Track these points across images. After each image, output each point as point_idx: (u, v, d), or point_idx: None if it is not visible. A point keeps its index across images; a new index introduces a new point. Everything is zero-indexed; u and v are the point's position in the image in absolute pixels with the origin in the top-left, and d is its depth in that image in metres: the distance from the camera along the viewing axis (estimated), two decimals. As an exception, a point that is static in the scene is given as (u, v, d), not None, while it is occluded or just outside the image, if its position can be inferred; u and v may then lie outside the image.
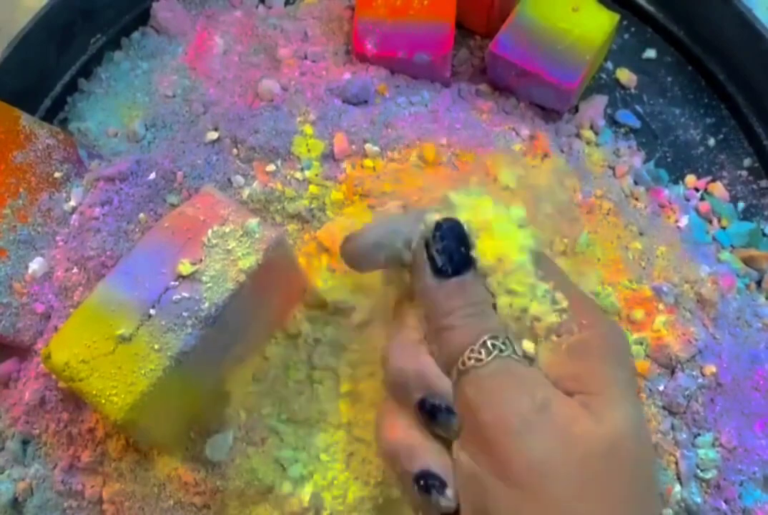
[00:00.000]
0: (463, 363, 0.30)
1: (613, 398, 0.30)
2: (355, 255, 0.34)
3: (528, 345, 0.31)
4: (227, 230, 0.33)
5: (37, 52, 0.48)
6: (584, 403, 0.30)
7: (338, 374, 0.39)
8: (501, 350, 0.30)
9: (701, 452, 0.40)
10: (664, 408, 0.41)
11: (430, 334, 0.32)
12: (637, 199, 0.46)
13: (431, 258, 0.31)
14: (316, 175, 0.43)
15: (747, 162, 0.49)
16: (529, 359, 0.31)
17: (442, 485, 0.30)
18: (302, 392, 0.39)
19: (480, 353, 0.30)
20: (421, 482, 0.30)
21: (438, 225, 0.31)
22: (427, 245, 0.32)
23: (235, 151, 0.44)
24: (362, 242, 0.34)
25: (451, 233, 0.31)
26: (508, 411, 0.29)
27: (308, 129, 0.44)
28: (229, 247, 0.33)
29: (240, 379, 0.40)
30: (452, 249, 0.31)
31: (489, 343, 0.30)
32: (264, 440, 0.38)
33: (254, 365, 0.41)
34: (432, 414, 0.31)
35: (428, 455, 0.31)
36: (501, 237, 0.32)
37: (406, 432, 0.32)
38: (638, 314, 0.42)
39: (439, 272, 0.31)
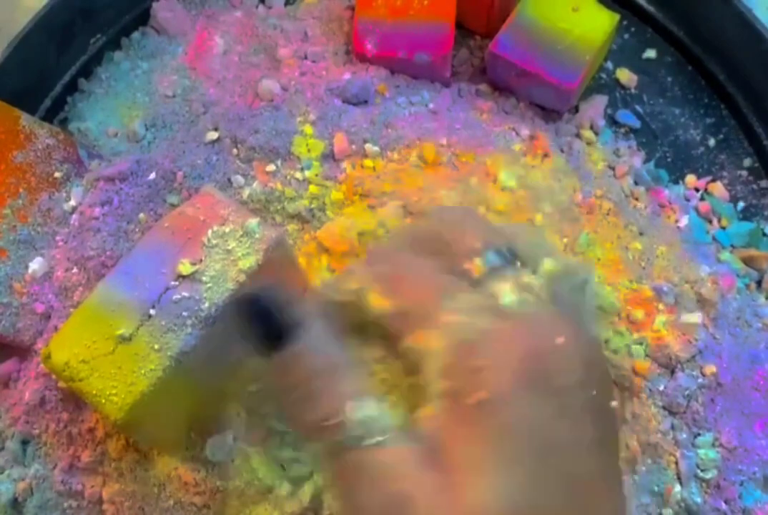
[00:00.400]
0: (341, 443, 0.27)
1: (486, 473, 0.26)
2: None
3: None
4: (227, 230, 0.33)
5: (37, 52, 0.48)
6: (454, 481, 0.26)
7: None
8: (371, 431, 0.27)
9: (701, 452, 0.40)
10: (664, 408, 0.41)
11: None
12: (637, 199, 0.46)
13: (247, 336, 0.28)
14: (316, 175, 0.43)
15: (747, 162, 0.49)
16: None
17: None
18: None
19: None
20: None
21: (243, 299, 0.29)
22: (240, 322, 0.29)
23: (235, 151, 0.44)
24: None
25: (262, 301, 0.28)
26: (364, 508, 0.27)
27: (308, 129, 0.44)
28: (229, 247, 0.33)
29: (240, 379, 0.40)
30: (269, 320, 0.28)
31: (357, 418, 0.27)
32: (264, 440, 0.38)
33: (254, 365, 0.41)
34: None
35: None
36: None
37: None
38: (638, 314, 0.42)
39: (260, 349, 0.28)
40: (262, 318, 0.28)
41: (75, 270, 0.41)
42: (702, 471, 0.40)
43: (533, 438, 0.26)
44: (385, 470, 0.27)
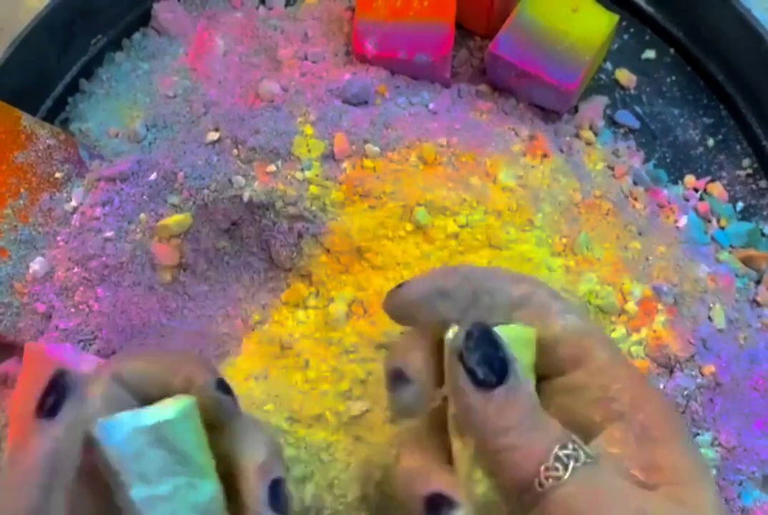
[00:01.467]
0: (541, 485, 0.26)
1: (700, 484, 0.28)
2: (396, 309, 0.31)
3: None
4: None
5: (39, 52, 0.48)
6: (673, 497, 0.27)
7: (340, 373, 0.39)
8: (576, 459, 0.27)
9: (701, 451, 0.40)
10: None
11: (488, 458, 0.28)
12: (636, 199, 0.47)
13: (470, 371, 0.28)
14: (317, 175, 0.43)
15: (746, 162, 0.49)
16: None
17: (452, 505, 0.29)
18: (303, 391, 0.39)
19: (557, 469, 0.26)
20: (431, 504, 0.29)
21: (469, 334, 0.28)
22: (461, 358, 0.28)
23: (235, 151, 0.44)
24: (405, 296, 0.31)
25: (484, 338, 0.28)
26: None
27: (308, 129, 0.44)
28: None
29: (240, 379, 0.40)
30: (491, 356, 0.28)
31: (562, 455, 0.27)
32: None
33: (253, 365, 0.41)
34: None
35: (440, 478, 0.30)
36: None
37: (422, 461, 0.30)
38: (638, 314, 0.42)
39: (482, 384, 0.27)
40: (489, 350, 0.28)
41: (76, 270, 0.41)
42: (701, 470, 0.40)
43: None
44: (614, 484, 0.27)
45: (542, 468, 0.26)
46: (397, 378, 0.30)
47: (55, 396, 0.27)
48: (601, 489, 0.27)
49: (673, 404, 0.31)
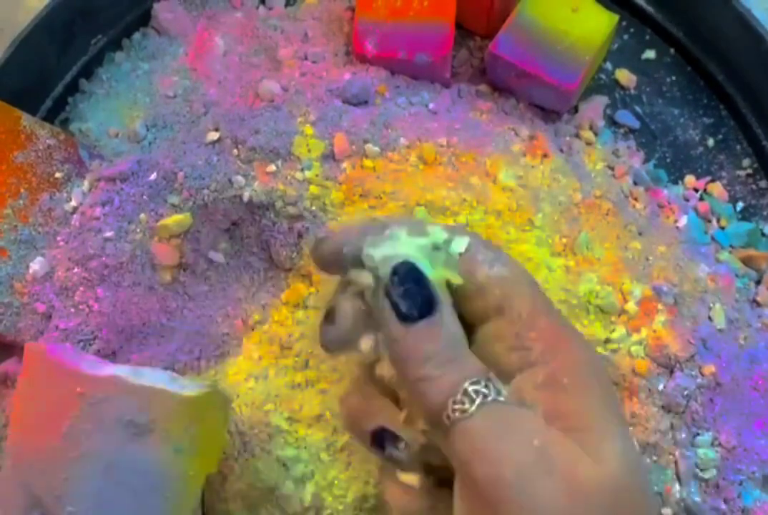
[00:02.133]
0: (448, 417, 0.28)
1: (606, 432, 0.29)
2: (324, 257, 0.34)
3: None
4: None
5: (38, 52, 0.48)
6: (578, 441, 0.28)
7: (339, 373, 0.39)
8: (485, 396, 0.28)
9: (700, 451, 0.40)
10: (663, 407, 0.41)
11: (406, 387, 0.30)
12: (636, 199, 0.47)
13: (395, 305, 0.29)
14: (317, 175, 0.43)
15: (746, 162, 0.49)
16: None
17: (395, 438, 0.31)
18: (303, 391, 0.39)
19: (463, 402, 0.28)
20: (376, 438, 0.31)
21: (395, 270, 0.30)
22: (387, 292, 0.30)
23: (235, 151, 0.44)
24: (332, 244, 0.33)
25: (409, 274, 0.30)
26: (504, 463, 0.27)
27: (308, 129, 0.44)
28: None
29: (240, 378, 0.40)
30: (415, 291, 0.29)
31: (470, 390, 0.28)
32: (267, 439, 0.38)
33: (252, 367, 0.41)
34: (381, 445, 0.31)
35: (382, 414, 0.32)
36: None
37: (366, 401, 0.33)
38: (638, 314, 0.42)
39: (405, 317, 0.29)
40: (413, 287, 0.30)
41: (76, 270, 0.41)
42: (701, 470, 0.40)
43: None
44: (521, 420, 0.28)
45: (450, 401, 0.28)
46: (326, 318, 0.33)
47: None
48: (505, 424, 0.28)
49: (597, 357, 0.32)
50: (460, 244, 0.31)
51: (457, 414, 0.28)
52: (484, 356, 0.31)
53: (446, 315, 0.30)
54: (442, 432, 0.29)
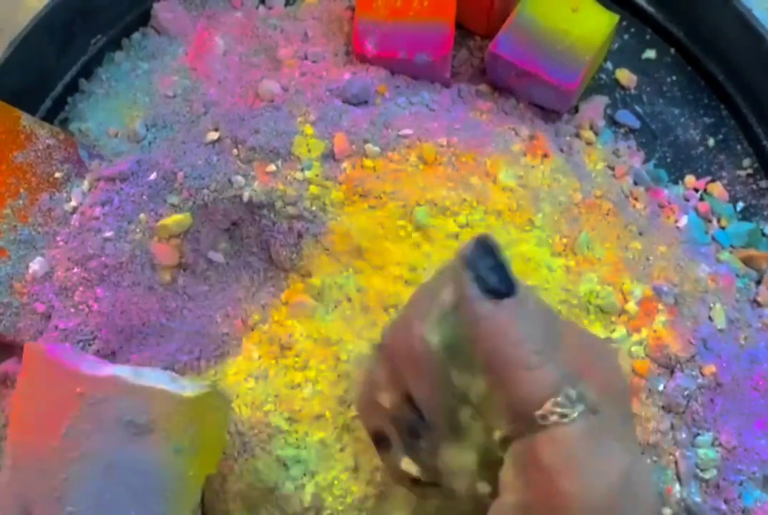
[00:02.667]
0: (544, 417, 0.25)
1: None
2: None
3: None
4: None
5: (38, 52, 0.48)
6: None
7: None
8: (582, 404, 0.26)
9: (701, 452, 0.40)
10: (663, 407, 0.41)
11: (496, 372, 0.27)
12: (636, 199, 0.47)
13: (480, 279, 0.26)
14: (317, 175, 0.43)
15: (746, 162, 0.49)
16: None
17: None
18: (303, 391, 0.39)
19: (565, 406, 0.25)
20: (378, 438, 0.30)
21: (479, 242, 0.27)
22: (471, 264, 0.27)
23: (235, 151, 0.44)
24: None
25: (494, 247, 0.27)
26: (596, 481, 0.25)
27: (308, 129, 0.44)
28: None
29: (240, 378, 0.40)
30: (501, 264, 0.27)
31: (572, 393, 0.26)
32: (267, 439, 0.38)
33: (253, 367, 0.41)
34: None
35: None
36: None
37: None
38: (638, 314, 0.42)
39: (492, 292, 0.26)
40: (497, 261, 0.27)
41: (75, 270, 0.41)
42: (702, 470, 0.40)
43: None
44: (614, 437, 0.26)
45: (551, 401, 0.25)
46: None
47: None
48: (599, 438, 0.26)
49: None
50: None
51: (555, 417, 0.25)
52: None
53: (531, 301, 0.27)
54: (518, 431, 0.26)
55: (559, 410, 0.25)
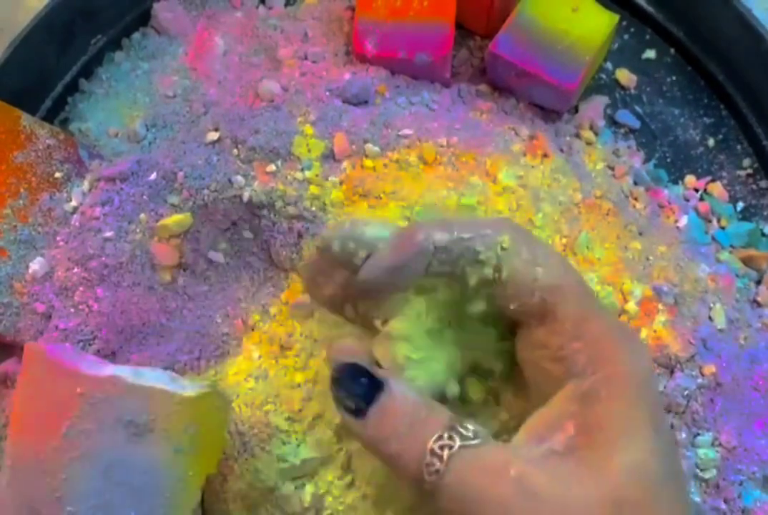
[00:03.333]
0: (426, 481, 0.28)
1: (620, 444, 0.27)
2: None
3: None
4: None
5: (38, 52, 0.48)
6: (583, 457, 0.27)
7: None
8: (450, 447, 0.27)
9: (701, 452, 0.40)
10: (663, 408, 0.41)
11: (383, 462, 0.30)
12: (636, 199, 0.46)
13: (342, 403, 0.30)
14: (317, 175, 0.43)
15: (746, 162, 0.49)
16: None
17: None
18: (303, 391, 0.39)
19: (433, 464, 0.27)
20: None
21: (333, 372, 0.30)
22: (333, 394, 0.30)
23: (235, 151, 0.44)
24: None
25: (349, 376, 0.30)
26: (486, 504, 0.27)
27: (308, 129, 0.44)
28: None
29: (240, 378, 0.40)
30: (356, 391, 0.30)
31: (436, 447, 0.28)
32: (267, 439, 0.38)
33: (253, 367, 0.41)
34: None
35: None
36: None
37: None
38: (638, 314, 0.42)
39: (356, 413, 0.30)
40: (352, 384, 0.30)
41: (76, 270, 0.41)
42: (701, 470, 0.40)
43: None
44: (493, 457, 0.28)
45: (423, 465, 0.27)
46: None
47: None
48: (479, 467, 0.27)
49: (645, 367, 0.30)
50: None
51: (432, 477, 0.27)
52: (525, 362, 0.30)
53: (394, 389, 0.29)
54: (427, 494, 0.28)
55: (431, 468, 0.28)
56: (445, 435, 0.28)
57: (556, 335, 0.29)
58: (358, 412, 0.29)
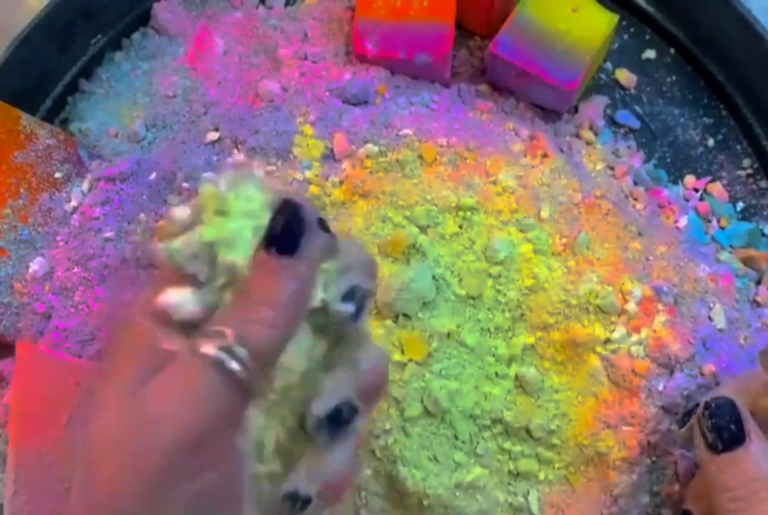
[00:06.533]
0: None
1: None
2: None
3: None
4: None
5: (38, 52, 0.48)
6: None
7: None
8: None
9: (701, 451, 0.40)
10: (663, 407, 0.41)
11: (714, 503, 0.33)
12: (636, 199, 0.46)
13: (703, 434, 0.34)
14: (316, 175, 0.43)
15: (746, 162, 0.49)
16: None
17: None
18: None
19: None
20: None
21: (709, 403, 0.34)
22: (699, 422, 0.34)
23: (235, 151, 0.44)
24: None
25: (721, 411, 0.34)
26: None
27: (308, 129, 0.44)
28: None
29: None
30: (723, 425, 0.33)
31: None
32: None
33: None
34: None
35: None
36: None
37: None
38: (638, 314, 0.42)
39: (710, 447, 0.33)
40: (723, 421, 0.34)
41: (75, 270, 0.41)
42: (701, 470, 0.40)
43: None
44: None
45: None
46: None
47: (292, 231, 0.26)
48: None
49: None
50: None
51: None
52: None
53: (754, 451, 0.33)
54: None
55: None
56: None
57: None
58: (711, 448, 0.33)
